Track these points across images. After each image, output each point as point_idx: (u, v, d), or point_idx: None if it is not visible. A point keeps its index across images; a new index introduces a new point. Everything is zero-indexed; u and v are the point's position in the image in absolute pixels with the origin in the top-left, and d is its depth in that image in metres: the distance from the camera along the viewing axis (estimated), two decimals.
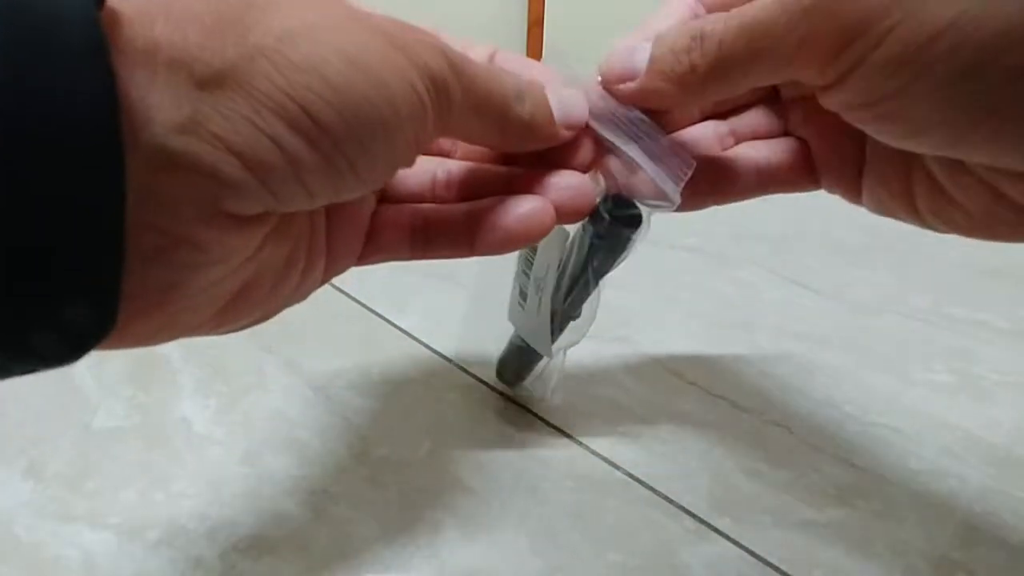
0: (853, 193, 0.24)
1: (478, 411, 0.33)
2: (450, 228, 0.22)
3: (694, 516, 0.27)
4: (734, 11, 0.19)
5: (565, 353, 0.31)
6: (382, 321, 0.41)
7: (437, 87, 0.17)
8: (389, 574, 0.25)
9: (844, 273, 0.47)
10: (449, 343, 0.38)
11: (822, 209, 0.60)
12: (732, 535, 0.27)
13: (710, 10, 0.23)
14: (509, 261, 0.26)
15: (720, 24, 0.19)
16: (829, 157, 0.25)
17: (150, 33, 0.14)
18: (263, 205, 0.16)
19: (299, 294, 0.21)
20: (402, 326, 0.40)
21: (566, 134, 0.22)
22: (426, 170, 0.24)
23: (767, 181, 0.25)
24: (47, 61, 0.12)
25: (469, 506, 0.28)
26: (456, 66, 0.18)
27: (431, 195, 0.24)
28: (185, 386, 0.35)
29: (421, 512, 0.27)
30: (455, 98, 0.18)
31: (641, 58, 0.21)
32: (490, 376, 0.35)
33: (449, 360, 0.37)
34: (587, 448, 0.31)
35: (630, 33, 0.23)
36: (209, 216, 0.15)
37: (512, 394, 0.34)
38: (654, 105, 0.22)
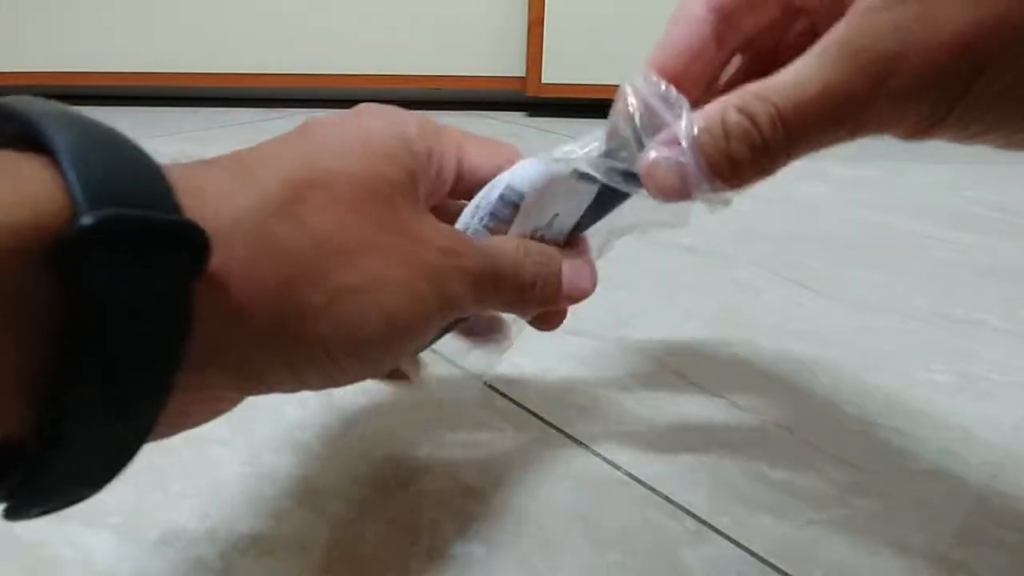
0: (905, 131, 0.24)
1: (478, 411, 0.33)
2: None
3: (694, 516, 0.27)
4: (780, 101, 0.18)
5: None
6: None
7: (452, 307, 0.20)
8: (389, 574, 0.25)
9: (844, 273, 0.47)
10: (449, 343, 0.38)
11: (822, 209, 0.61)
12: (732, 535, 0.26)
13: (725, 15, 0.22)
14: None
15: (779, 125, 0.18)
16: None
17: (225, 293, 0.16)
18: (249, 395, 0.19)
19: (237, 404, 0.22)
20: None
21: (568, 304, 0.25)
22: None
23: None
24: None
25: (469, 506, 0.28)
26: (478, 284, 0.21)
27: None
28: None
29: (421, 512, 0.27)
30: (469, 306, 0.21)
31: (692, 172, 0.20)
32: (490, 376, 0.35)
33: (449, 360, 0.37)
34: (587, 448, 0.31)
35: (647, 60, 0.23)
36: (203, 406, 0.18)
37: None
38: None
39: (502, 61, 0.97)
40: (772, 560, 0.25)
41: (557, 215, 0.25)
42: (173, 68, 0.99)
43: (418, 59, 0.97)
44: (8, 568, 0.25)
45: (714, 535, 0.27)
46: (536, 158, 0.24)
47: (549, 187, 0.24)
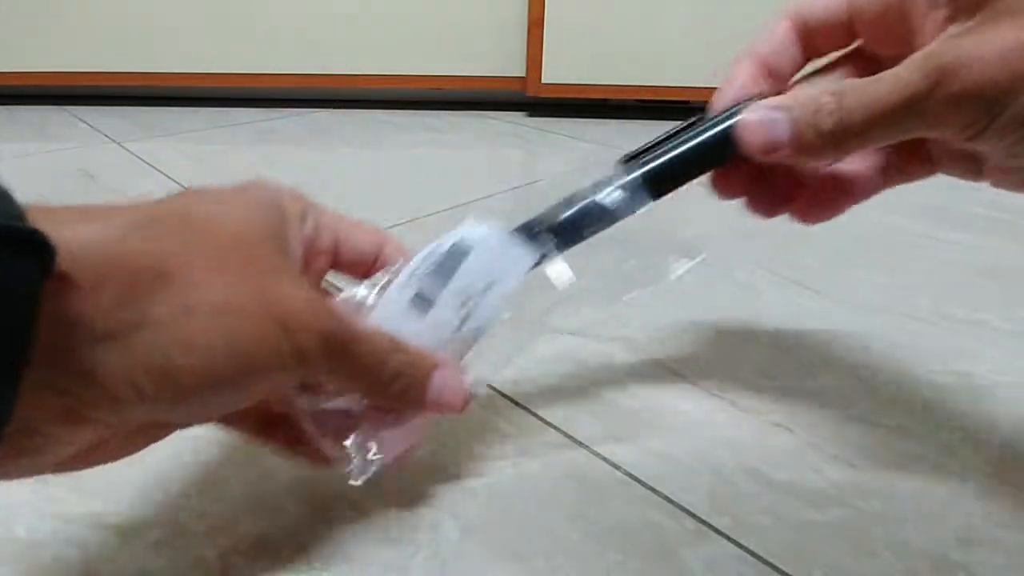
0: (974, 173, 0.26)
1: (478, 411, 0.33)
2: (290, 435, 0.26)
3: (694, 516, 0.27)
4: (864, 90, 0.22)
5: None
6: None
7: (301, 360, 0.20)
8: (389, 574, 0.25)
9: (844, 273, 0.47)
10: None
11: None
12: (732, 535, 0.26)
13: (812, 36, 0.27)
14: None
15: (862, 108, 0.22)
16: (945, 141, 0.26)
17: (69, 298, 0.17)
18: (106, 420, 0.19)
19: (152, 442, 0.23)
20: None
21: (436, 412, 0.25)
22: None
23: (889, 175, 0.28)
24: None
25: (469, 506, 0.28)
26: (338, 351, 0.21)
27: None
28: None
29: (421, 512, 0.27)
30: (320, 370, 0.21)
31: (783, 129, 0.23)
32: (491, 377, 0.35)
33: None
34: (587, 448, 0.31)
35: (738, 58, 0.28)
36: (64, 418, 0.18)
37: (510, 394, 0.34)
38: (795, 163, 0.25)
39: (502, 61, 0.97)
40: (772, 560, 0.25)
41: (494, 282, 0.26)
42: (173, 68, 0.99)
43: (418, 59, 0.97)
44: (8, 568, 0.25)
45: (714, 535, 0.27)
46: (482, 222, 0.26)
47: (497, 246, 0.26)
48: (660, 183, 0.27)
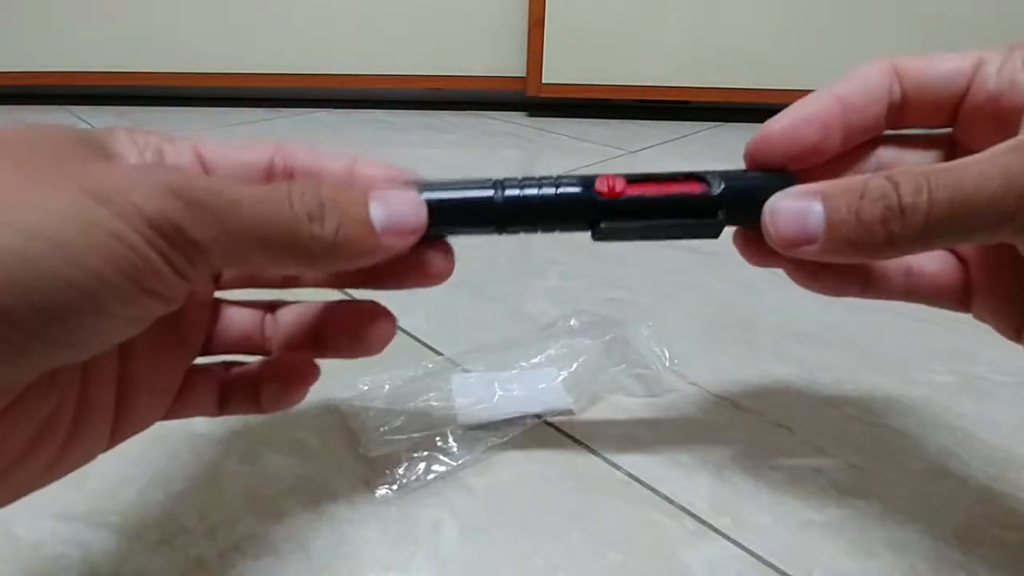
0: (1011, 330, 0.22)
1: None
2: (243, 390, 0.23)
3: (694, 516, 0.27)
4: (935, 178, 0.17)
5: None
6: None
7: (164, 232, 0.15)
8: (389, 574, 0.25)
9: None
10: (450, 343, 0.38)
11: None
12: (732, 535, 0.26)
13: (851, 115, 0.21)
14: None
15: (923, 196, 0.17)
16: (990, 284, 0.23)
17: None
18: None
19: (71, 462, 0.19)
20: (403, 326, 0.40)
21: (393, 244, 0.18)
22: (252, 319, 0.24)
23: (913, 288, 0.24)
24: None
25: (469, 506, 0.28)
26: (196, 201, 0.15)
27: (256, 342, 0.24)
28: None
29: (421, 512, 0.27)
30: (203, 236, 0.15)
31: (815, 222, 0.19)
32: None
33: (449, 360, 0.37)
34: (587, 448, 0.31)
35: (780, 118, 0.22)
36: None
37: None
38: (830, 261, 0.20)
39: (502, 61, 0.97)
40: (772, 560, 0.25)
41: None
42: (173, 68, 0.99)
43: (418, 59, 0.97)
44: (8, 568, 0.25)
45: (714, 535, 0.27)
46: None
47: None
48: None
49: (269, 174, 0.21)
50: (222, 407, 0.24)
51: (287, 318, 0.24)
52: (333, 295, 0.24)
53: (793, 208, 0.19)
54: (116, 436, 0.20)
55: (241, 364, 0.24)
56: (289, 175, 0.21)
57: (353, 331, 0.23)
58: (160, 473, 0.29)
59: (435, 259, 0.22)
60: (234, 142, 0.21)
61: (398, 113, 0.99)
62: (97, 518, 0.27)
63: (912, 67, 0.21)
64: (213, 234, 0.16)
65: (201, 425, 0.32)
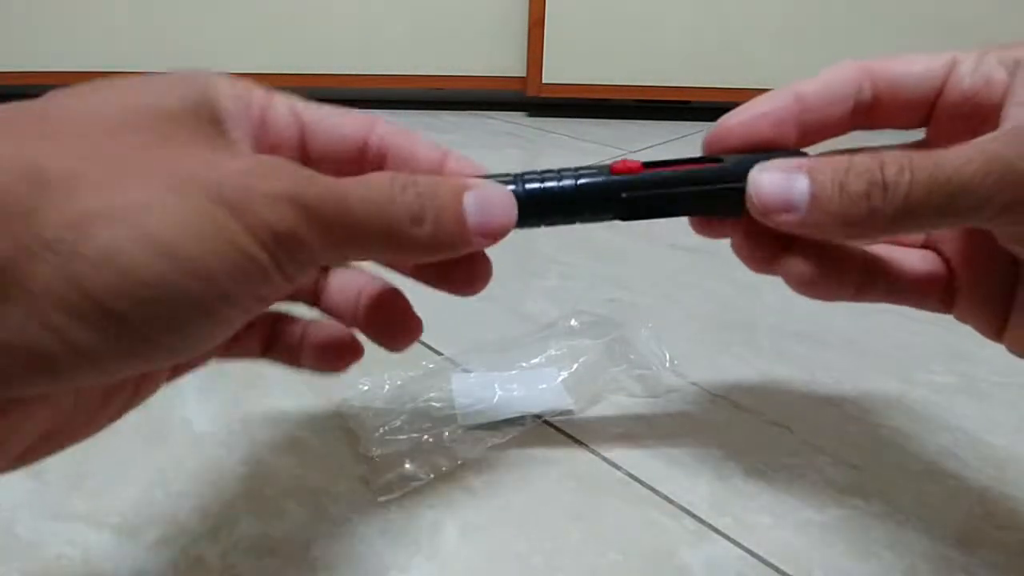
0: (992, 329, 0.22)
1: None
2: (286, 344, 0.24)
3: (694, 516, 0.27)
4: (918, 159, 0.18)
5: None
6: None
7: (284, 244, 0.16)
8: (389, 574, 0.25)
9: None
10: (450, 343, 0.38)
11: None
12: (732, 535, 0.26)
13: (808, 113, 0.22)
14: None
15: (906, 175, 0.18)
16: (974, 283, 0.22)
17: None
18: (46, 390, 0.15)
19: (141, 398, 0.20)
20: None
21: (482, 243, 0.19)
22: (353, 289, 0.24)
23: (895, 289, 0.23)
24: None
25: (469, 506, 0.28)
26: (311, 208, 0.16)
27: (351, 315, 0.24)
28: (186, 386, 0.35)
29: (421, 512, 0.27)
30: (316, 244, 0.16)
31: (800, 190, 0.19)
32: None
33: (449, 360, 0.37)
34: (587, 448, 0.31)
35: (738, 112, 0.22)
36: None
37: None
38: (809, 236, 0.20)
39: (502, 61, 0.97)
40: (772, 560, 0.25)
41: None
42: (173, 68, 0.99)
43: (418, 59, 0.97)
44: (8, 568, 0.25)
45: (714, 535, 0.27)
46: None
47: None
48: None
49: (362, 152, 0.22)
50: (265, 352, 0.24)
51: (337, 281, 0.25)
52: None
53: (779, 175, 0.19)
54: (176, 371, 0.22)
55: (290, 319, 0.25)
56: (382, 157, 0.22)
57: (390, 321, 0.24)
58: (160, 473, 0.29)
59: (486, 263, 0.22)
60: (329, 113, 0.22)
61: (398, 113, 0.99)
62: (97, 518, 0.27)
63: (884, 67, 0.21)
64: (325, 241, 0.16)
65: (201, 425, 0.32)
